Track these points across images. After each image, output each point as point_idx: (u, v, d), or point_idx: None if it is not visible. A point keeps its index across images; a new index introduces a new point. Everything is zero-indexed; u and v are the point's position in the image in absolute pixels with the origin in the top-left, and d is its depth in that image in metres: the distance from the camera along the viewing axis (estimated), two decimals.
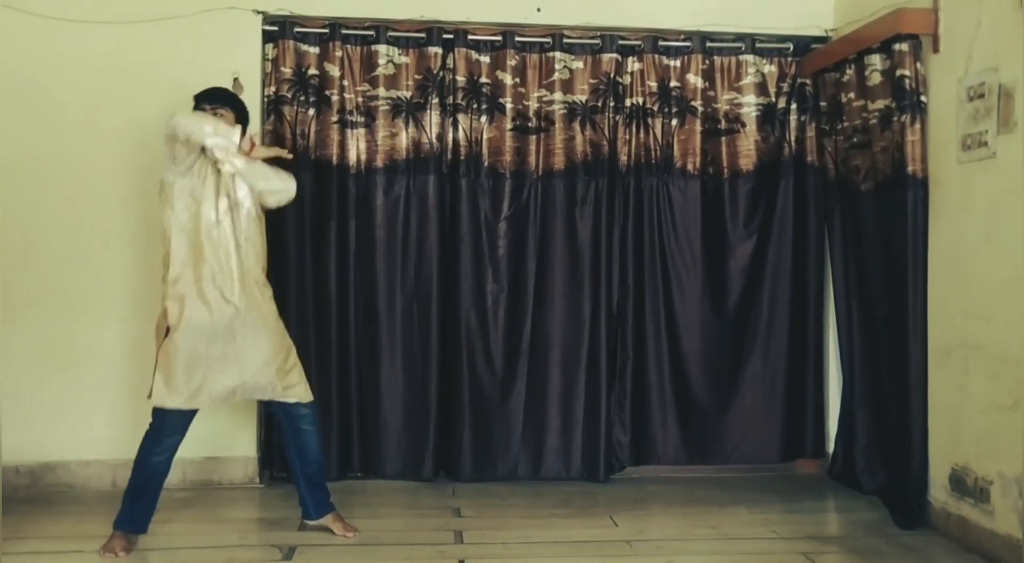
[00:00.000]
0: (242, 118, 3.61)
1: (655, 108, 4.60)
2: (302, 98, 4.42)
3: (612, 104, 4.56)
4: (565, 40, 4.53)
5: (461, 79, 4.48)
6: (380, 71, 4.46)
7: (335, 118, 4.43)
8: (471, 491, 4.36)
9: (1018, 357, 3.31)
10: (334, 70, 4.42)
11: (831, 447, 4.65)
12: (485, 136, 4.50)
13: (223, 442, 4.37)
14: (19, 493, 4.10)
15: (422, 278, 4.49)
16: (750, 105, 4.65)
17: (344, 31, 4.42)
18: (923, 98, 3.82)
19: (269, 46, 4.43)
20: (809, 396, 4.67)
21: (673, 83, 4.60)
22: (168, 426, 3.44)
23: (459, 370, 4.49)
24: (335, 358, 4.43)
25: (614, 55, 4.55)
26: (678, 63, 4.61)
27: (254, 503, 4.22)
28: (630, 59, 4.59)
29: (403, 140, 4.47)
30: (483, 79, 4.50)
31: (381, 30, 4.44)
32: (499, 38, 4.50)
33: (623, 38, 4.57)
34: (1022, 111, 3.30)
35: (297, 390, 3.60)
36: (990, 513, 3.45)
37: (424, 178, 4.48)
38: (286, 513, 3.90)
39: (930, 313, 3.81)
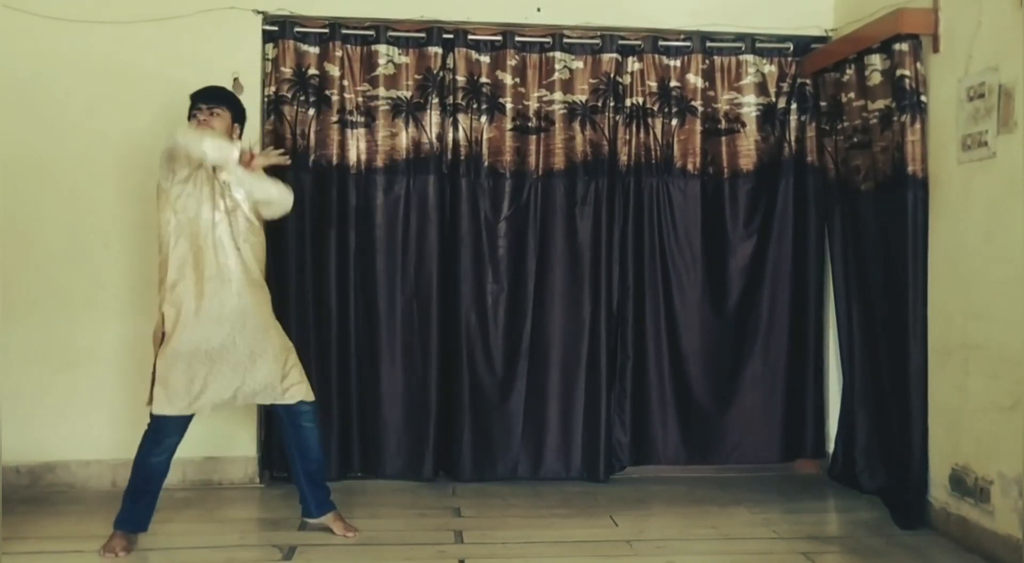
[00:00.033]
0: (239, 117, 3.61)
1: (655, 108, 4.60)
2: (302, 98, 4.41)
3: (612, 104, 4.56)
4: (565, 40, 4.53)
5: (461, 79, 4.48)
6: (380, 71, 4.46)
7: (335, 118, 4.43)
8: (471, 491, 4.36)
9: (1018, 357, 3.31)
10: (334, 70, 4.42)
11: (831, 447, 4.65)
12: (485, 136, 4.50)
13: (223, 442, 4.37)
14: (19, 493, 4.10)
15: (422, 278, 4.49)
16: (750, 105, 4.65)
17: (344, 31, 4.42)
18: (923, 98, 3.82)
19: (269, 46, 4.43)
20: (809, 396, 4.68)
21: (673, 83, 4.60)
22: (167, 428, 3.44)
23: (459, 370, 4.49)
24: (335, 358, 4.43)
25: (614, 55, 4.55)
26: (678, 63, 4.61)
27: (254, 503, 4.22)
28: (630, 59, 4.59)
29: (403, 140, 4.47)
30: (483, 79, 4.50)
31: (381, 30, 4.44)
32: (499, 38, 4.50)
33: (623, 38, 4.57)
34: (1022, 111, 3.30)
35: (298, 390, 3.59)
36: (990, 513, 3.45)
37: (424, 178, 4.48)
38: (286, 513, 3.90)
39: (930, 313, 3.81)
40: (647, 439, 4.62)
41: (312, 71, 4.42)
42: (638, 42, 4.58)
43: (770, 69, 4.65)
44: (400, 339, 4.48)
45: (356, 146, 4.45)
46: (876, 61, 3.99)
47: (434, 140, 4.49)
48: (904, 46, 3.81)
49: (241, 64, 4.34)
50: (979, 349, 3.54)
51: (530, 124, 4.53)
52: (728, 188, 4.64)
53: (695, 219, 4.64)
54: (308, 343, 4.29)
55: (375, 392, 4.46)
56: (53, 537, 3.65)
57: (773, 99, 4.65)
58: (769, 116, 4.65)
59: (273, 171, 3.69)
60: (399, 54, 4.47)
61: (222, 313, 3.44)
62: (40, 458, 4.26)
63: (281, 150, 3.66)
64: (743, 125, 4.64)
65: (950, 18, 3.72)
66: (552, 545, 3.66)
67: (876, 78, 4.00)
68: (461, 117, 4.49)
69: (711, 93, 4.65)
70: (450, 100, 4.50)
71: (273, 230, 3.82)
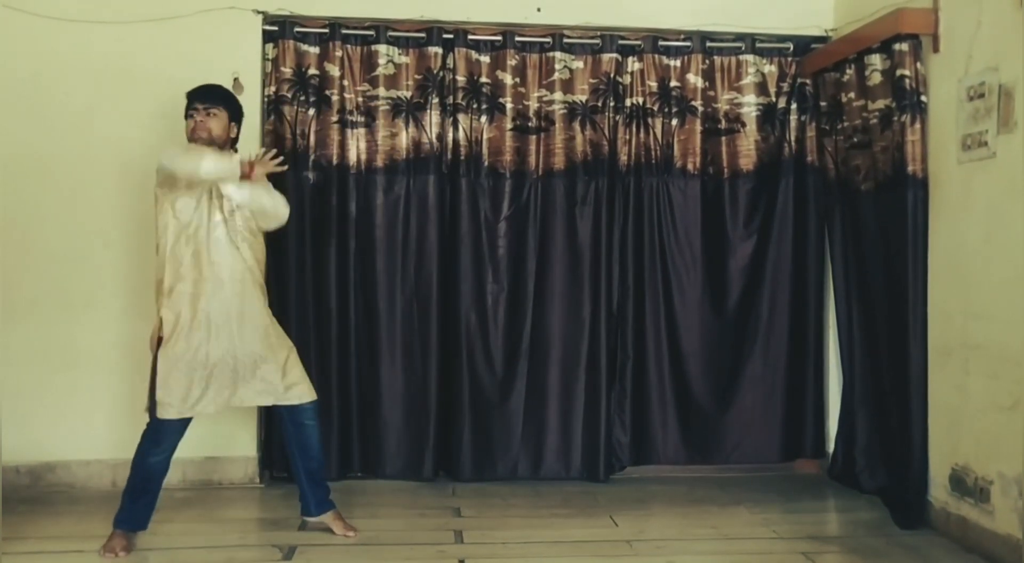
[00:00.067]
0: (236, 116, 3.59)
1: (655, 108, 4.60)
2: (302, 98, 4.41)
3: (612, 104, 4.56)
4: (565, 40, 4.53)
5: (461, 79, 4.48)
6: (380, 71, 4.46)
7: (335, 118, 4.43)
8: (471, 491, 4.36)
9: (1018, 357, 3.31)
10: (334, 70, 4.42)
11: (831, 447, 4.65)
12: (485, 136, 4.50)
13: (223, 442, 4.37)
14: (19, 493, 4.09)
15: (422, 278, 4.49)
16: (750, 105, 4.65)
17: (344, 31, 4.42)
18: (923, 98, 3.82)
19: (269, 46, 4.43)
20: (809, 396, 4.67)
21: (673, 83, 4.60)
22: (166, 429, 3.43)
23: (459, 370, 4.49)
24: (335, 358, 4.43)
25: (614, 55, 4.55)
26: (678, 63, 4.60)
27: (254, 503, 4.22)
28: (630, 59, 4.59)
29: (403, 140, 4.47)
30: (483, 79, 4.50)
31: (381, 30, 4.44)
32: (499, 38, 4.50)
33: (623, 38, 4.57)
34: (1022, 111, 3.30)
35: (299, 390, 3.58)
36: (990, 513, 3.45)
37: (424, 178, 4.48)
38: (286, 513, 3.90)
39: (930, 313, 3.81)
40: (647, 439, 4.62)
41: (312, 71, 4.42)
42: (638, 42, 4.58)
43: (770, 69, 4.65)
44: (400, 339, 4.48)
45: (356, 146, 4.46)
46: (876, 61, 3.99)
47: (434, 140, 4.49)
48: (904, 46, 3.81)
49: (241, 64, 4.34)
50: (979, 349, 3.54)
51: (530, 124, 4.53)
52: (728, 188, 4.64)
53: (695, 219, 4.63)
54: (308, 343, 4.29)
55: (375, 392, 4.46)
56: (53, 537, 3.65)
57: (773, 99, 4.65)
58: (769, 116, 4.65)
59: (273, 174, 3.66)
60: (399, 54, 4.47)
61: (221, 316, 3.43)
62: (40, 458, 4.26)
63: (280, 158, 3.57)
64: (743, 125, 4.64)
65: (950, 18, 3.72)
66: (552, 545, 3.66)
67: (876, 78, 4.00)
68: (461, 117, 4.49)
69: (711, 93, 4.64)
70: (450, 100, 4.50)
71: (273, 230, 3.82)
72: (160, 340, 3.40)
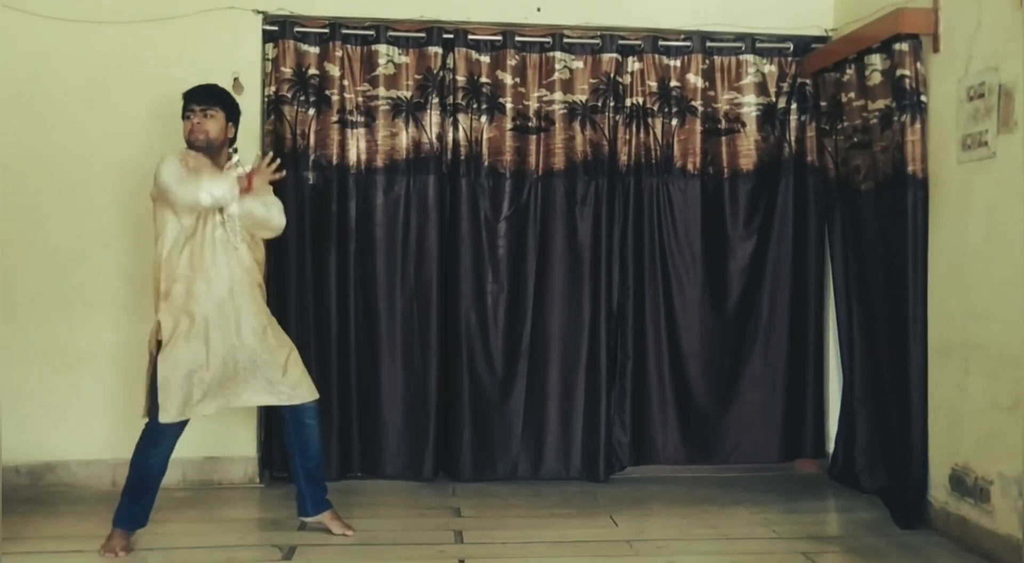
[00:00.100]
0: (234, 116, 3.58)
1: (655, 108, 4.60)
2: (302, 98, 4.41)
3: (612, 104, 4.56)
4: (565, 40, 4.53)
5: (461, 79, 4.48)
6: (380, 71, 4.46)
7: (335, 118, 4.43)
8: (471, 491, 4.36)
9: (1018, 357, 3.31)
10: (334, 70, 4.42)
11: (831, 447, 4.65)
12: (485, 136, 4.50)
13: (223, 442, 4.37)
14: (19, 493, 4.09)
15: (422, 278, 4.49)
16: (750, 105, 4.64)
17: (344, 31, 4.42)
18: (923, 98, 3.82)
19: (269, 46, 4.43)
20: (809, 396, 4.67)
21: (673, 83, 4.60)
22: (165, 429, 3.41)
23: (459, 370, 4.49)
24: (335, 358, 4.43)
25: (614, 55, 4.55)
26: (678, 63, 4.60)
27: (254, 503, 4.22)
28: (630, 59, 4.58)
29: (403, 140, 4.47)
30: (483, 79, 4.50)
31: (381, 30, 4.44)
32: (499, 38, 4.50)
33: (623, 38, 4.57)
34: (1022, 111, 3.30)
35: (300, 390, 3.57)
36: (990, 513, 3.45)
37: (424, 178, 4.48)
38: (286, 513, 3.89)
39: (930, 313, 3.81)
40: (647, 439, 4.62)
41: (312, 71, 4.42)
42: (638, 42, 4.58)
43: (770, 69, 4.65)
44: (400, 339, 4.48)
45: (356, 146, 4.45)
46: (876, 61, 3.99)
47: (434, 140, 4.49)
48: (904, 46, 3.81)
49: (241, 64, 4.34)
50: (979, 349, 3.54)
51: (530, 124, 4.53)
52: (728, 188, 4.64)
53: (695, 219, 4.64)
54: (308, 343, 4.28)
55: (375, 392, 4.46)
56: (53, 537, 3.65)
57: (773, 99, 4.65)
58: (769, 116, 4.65)
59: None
60: (399, 54, 4.47)
61: (220, 317, 3.42)
62: (40, 458, 4.26)
63: (277, 163, 3.55)
64: (743, 125, 4.64)
65: (950, 18, 3.72)
66: (552, 545, 3.66)
67: (876, 78, 4.00)
68: (461, 117, 4.49)
69: (711, 93, 4.64)
70: (450, 100, 4.50)
71: (269, 239, 3.81)
72: (159, 344, 3.40)
